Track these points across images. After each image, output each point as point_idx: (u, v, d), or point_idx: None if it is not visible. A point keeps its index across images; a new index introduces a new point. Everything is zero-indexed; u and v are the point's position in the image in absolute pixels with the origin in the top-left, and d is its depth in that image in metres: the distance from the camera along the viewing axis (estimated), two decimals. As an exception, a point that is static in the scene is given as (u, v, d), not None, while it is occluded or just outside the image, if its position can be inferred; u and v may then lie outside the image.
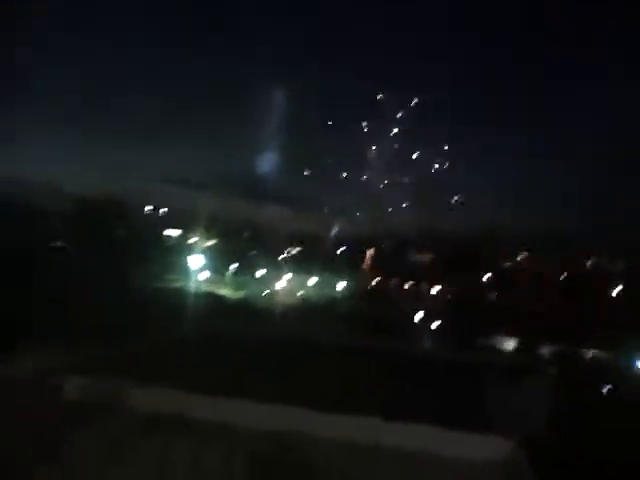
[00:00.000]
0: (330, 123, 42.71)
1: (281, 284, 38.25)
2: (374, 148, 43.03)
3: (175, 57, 49.56)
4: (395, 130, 42.40)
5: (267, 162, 44.35)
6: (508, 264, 39.99)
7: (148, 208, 46.02)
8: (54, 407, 8.30)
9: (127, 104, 46.38)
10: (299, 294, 37.04)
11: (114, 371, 9.20)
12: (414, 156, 42.52)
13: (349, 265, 39.23)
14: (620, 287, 36.15)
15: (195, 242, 40.60)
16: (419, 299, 35.74)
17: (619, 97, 41.00)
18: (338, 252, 41.78)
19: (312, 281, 38.96)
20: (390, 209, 42.73)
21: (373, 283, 38.63)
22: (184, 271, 34.45)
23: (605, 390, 20.27)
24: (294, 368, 10.29)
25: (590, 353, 29.03)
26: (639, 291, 33.89)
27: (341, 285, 37.99)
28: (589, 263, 39.60)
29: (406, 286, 38.35)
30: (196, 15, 51.40)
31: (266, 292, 36.94)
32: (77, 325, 12.69)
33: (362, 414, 8.55)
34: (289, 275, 38.93)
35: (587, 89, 45.28)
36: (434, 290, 37.39)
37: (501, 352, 27.07)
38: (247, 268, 39.63)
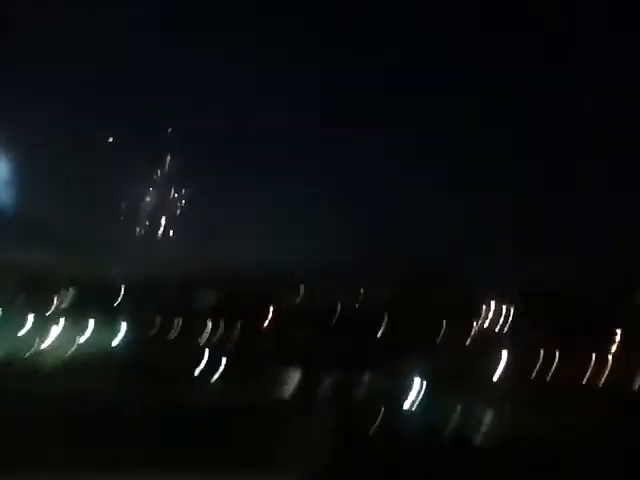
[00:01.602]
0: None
1: (49, 340, 34.84)
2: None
3: None
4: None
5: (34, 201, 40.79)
6: (289, 300, 41.51)
7: None
8: None
9: None
10: (71, 349, 34.12)
11: None
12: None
13: (129, 312, 37.37)
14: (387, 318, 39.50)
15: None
16: (191, 345, 35.37)
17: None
18: (117, 298, 39.60)
19: (91, 328, 36.25)
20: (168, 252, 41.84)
21: (154, 330, 37.24)
22: None
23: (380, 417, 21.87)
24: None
25: (366, 379, 31.29)
26: (407, 318, 37.48)
27: (120, 334, 35.88)
28: (362, 294, 42.59)
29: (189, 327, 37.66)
30: None
31: (30, 352, 33.33)
32: None
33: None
34: (59, 328, 35.66)
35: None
36: (218, 331, 37.32)
37: (281, 389, 27.98)
38: (14, 317, 35.52)
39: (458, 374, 30.22)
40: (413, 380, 28.50)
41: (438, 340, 34.39)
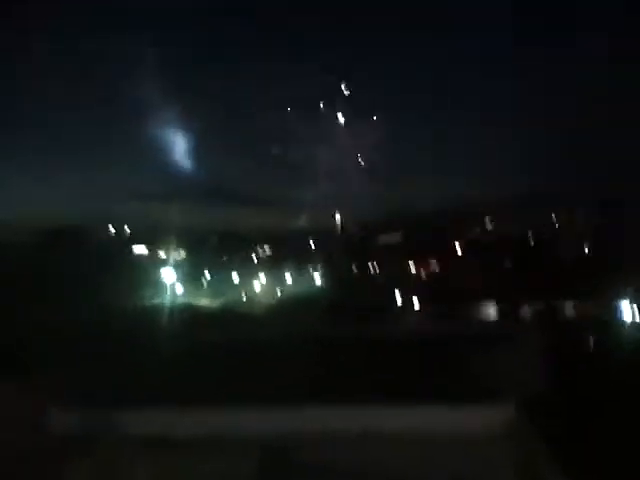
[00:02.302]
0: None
1: (258, 286, 38.09)
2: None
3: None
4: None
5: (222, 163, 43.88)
6: (477, 231, 40.33)
7: (111, 228, 45.33)
8: (44, 440, 8.10)
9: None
10: (278, 293, 36.94)
11: (106, 393, 9.00)
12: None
13: (322, 257, 39.19)
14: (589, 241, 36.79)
15: (165, 256, 40.05)
16: (395, 280, 35.85)
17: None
18: (309, 246, 41.61)
19: (288, 278, 38.87)
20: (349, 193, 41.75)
21: (350, 272, 38.63)
22: (159, 287, 33.99)
23: (592, 342, 20.63)
24: (288, 365, 10.20)
25: (571, 306, 29.57)
26: (607, 244, 34.57)
27: (318, 278, 37.98)
28: (556, 221, 40.13)
29: (381, 268, 38.46)
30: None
31: (245, 296, 36.73)
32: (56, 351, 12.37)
33: (353, 402, 8.54)
34: (264, 276, 38.78)
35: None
36: (410, 268, 37.62)
37: (483, 321, 27.59)
38: (222, 275, 39.33)
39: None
40: (623, 305, 26.37)
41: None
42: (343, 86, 40.53)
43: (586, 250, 36.08)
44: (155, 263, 39.42)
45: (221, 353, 10.86)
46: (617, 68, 38.11)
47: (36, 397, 9.11)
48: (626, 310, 26.52)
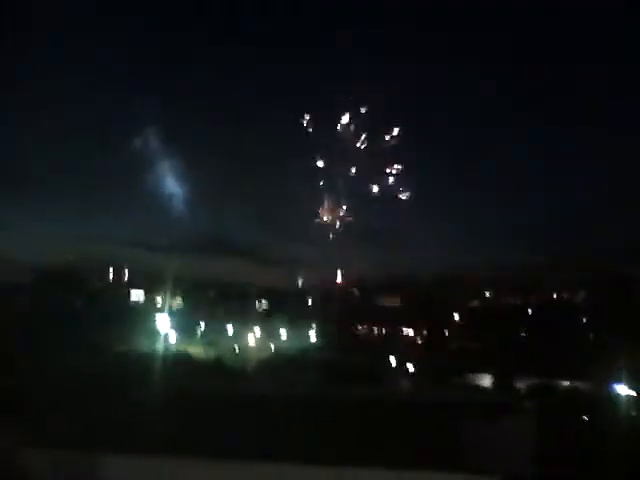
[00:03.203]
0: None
1: (252, 339, 37.81)
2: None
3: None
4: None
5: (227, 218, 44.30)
6: (476, 303, 40.44)
7: (112, 272, 45.49)
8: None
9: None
10: (272, 348, 36.59)
11: (88, 440, 8.87)
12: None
13: (319, 316, 39.04)
14: (585, 318, 36.81)
15: (162, 304, 40.00)
16: (392, 344, 35.67)
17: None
18: (306, 304, 41.57)
19: (283, 334, 38.61)
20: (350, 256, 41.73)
21: (344, 331, 38.44)
22: (152, 334, 33.74)
23: (585, 420, 20.35)
24: (275, 423, 10.08)
25: (566, 384, 29.27)
26: (604, 320, 34.55)
27: (313, 336, 37.73)
28: (554, 295, 40.33)
29: (378, 331, 38.36)
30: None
31: (237, 348, 36.39)
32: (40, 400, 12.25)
33: (344, 464, 8.42)
34: (259, 330, 38.55)
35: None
36: (406, 333, 37.48)
37: (479, 390, 27.24)
38: (216, 325, 39.15)
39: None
40: (618, 387, 26.05)
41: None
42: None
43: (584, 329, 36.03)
44: (151, 310, 39.33)
45: (204, 405, 10.78)
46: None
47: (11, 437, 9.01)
48: (620, 391, 26.21)
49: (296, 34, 46.73)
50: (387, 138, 38.21)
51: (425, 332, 36.69)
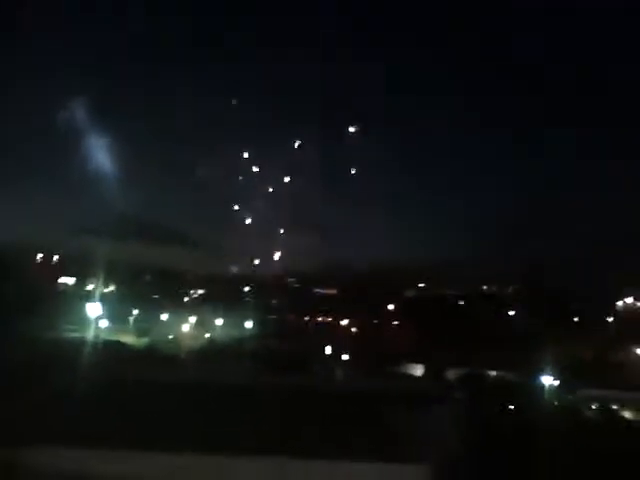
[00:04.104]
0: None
1: (186, 327, 37.10)
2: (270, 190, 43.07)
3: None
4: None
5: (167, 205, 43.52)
6: (411, 294, 41.15)
7: (39, 257, 43.64)
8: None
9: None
10: (206, 336, 36.04)
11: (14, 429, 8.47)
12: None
13: (254, 304, 38.77)
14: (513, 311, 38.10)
15: (93, 289, 38.61)
16: (327, 333, 35.87)
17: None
18: (243, 292, 41.30)
19: (219, 322, 38.09)
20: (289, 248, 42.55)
21: (280, 320, 38.38)
22: (82, 321, 32.56)
23: (511, 409, 21.07)
24: (203, 412, 9.88)
25: (493, 374, 30.24)
26: (531, 313, 35.95)
27: (248, 324, 37.38)
28: (484, 288, 41.48)
29: (316, 319, 38.51)
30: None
31: (171, 336, 35.66)
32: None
33: (272, 454, 8.34)
34: (194, 318, 37.88)
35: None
36: (341, 323, 37.76)
37: (411, 379, 27.78)
38: (150, 313, 38.19)
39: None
40: (543, 377, 27.17)
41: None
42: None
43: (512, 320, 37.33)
44: (81, 296, 37.88)
45: (134, 394, 10.46)
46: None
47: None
48: (545, 381, 27.32)
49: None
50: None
51: (360, 322, 37.06)
